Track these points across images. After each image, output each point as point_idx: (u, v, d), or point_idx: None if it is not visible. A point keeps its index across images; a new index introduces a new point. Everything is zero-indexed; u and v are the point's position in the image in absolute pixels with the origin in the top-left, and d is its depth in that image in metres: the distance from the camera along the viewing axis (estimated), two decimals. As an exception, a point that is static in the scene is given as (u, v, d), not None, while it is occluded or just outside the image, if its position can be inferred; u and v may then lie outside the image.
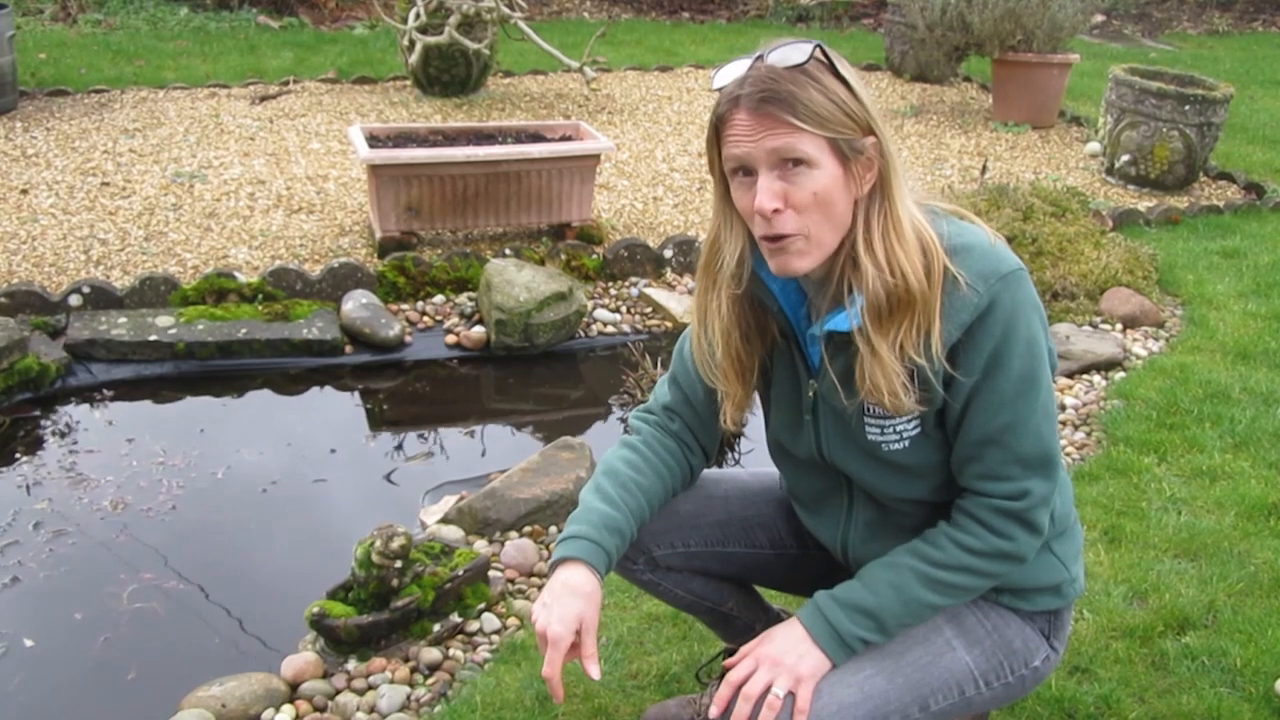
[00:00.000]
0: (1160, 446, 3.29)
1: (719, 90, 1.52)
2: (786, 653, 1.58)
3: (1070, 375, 3.84)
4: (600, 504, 1.72)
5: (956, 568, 1.60)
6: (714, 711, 1.59)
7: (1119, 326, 4.21)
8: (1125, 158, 5.87)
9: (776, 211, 1.47)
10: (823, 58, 1.47)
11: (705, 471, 1.93)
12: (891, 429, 1.60)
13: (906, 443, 1.61)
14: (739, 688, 1.58)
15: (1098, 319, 4.26)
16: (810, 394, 1.66)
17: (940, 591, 1.60)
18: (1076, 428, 3.49)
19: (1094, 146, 6.42)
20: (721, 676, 1.63)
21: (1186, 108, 5.63)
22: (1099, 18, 10.83)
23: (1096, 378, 3.83)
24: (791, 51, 1.47)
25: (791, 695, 1.55)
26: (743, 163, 1.49)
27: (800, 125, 1.44)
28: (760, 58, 1.49)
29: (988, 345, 1.51)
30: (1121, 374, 3.85)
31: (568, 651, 1.60)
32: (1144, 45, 10.44)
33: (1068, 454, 3.31)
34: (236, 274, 4.22)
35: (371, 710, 2.32)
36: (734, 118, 1.48)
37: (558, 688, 1.59)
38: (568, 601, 1.61)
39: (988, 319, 1.50)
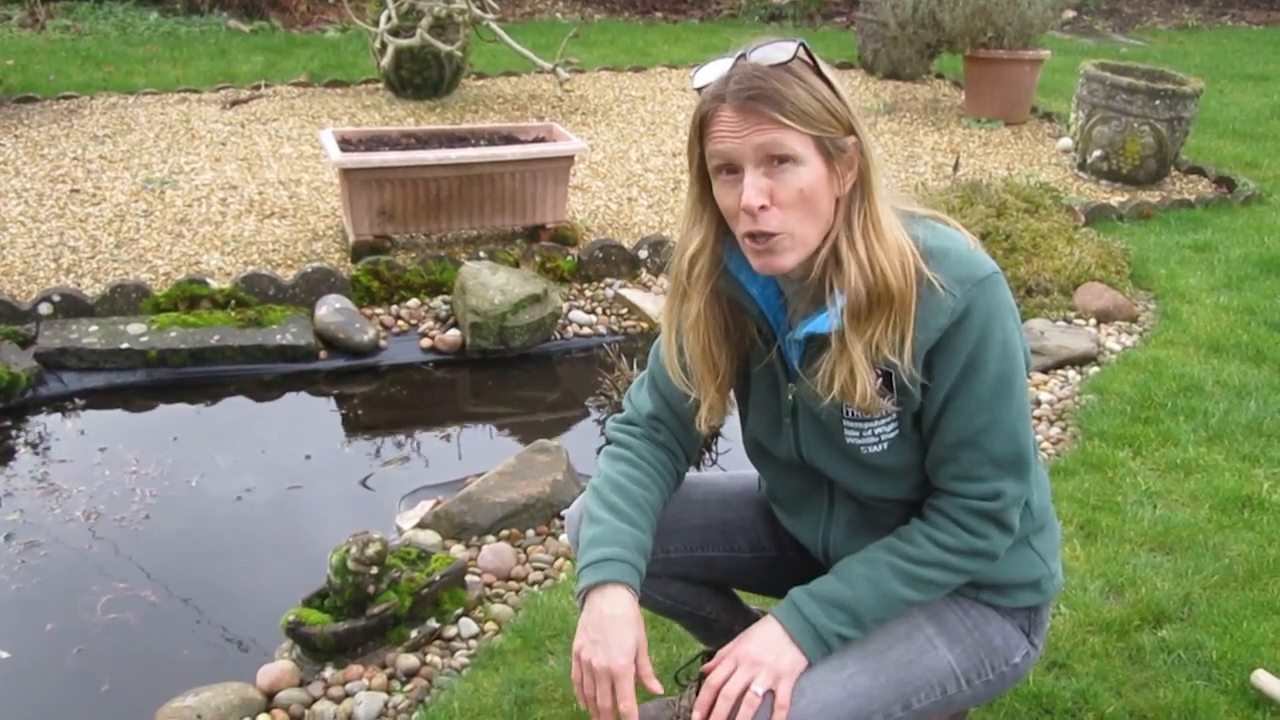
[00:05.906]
0: (1135, 441, 3.30)
1: (700, 90, 1.51)
2: (765, 651, 1.58)
3: (1045, 371, 3.86)
4: (623, 524, 1.69)
5: (932, 564, 1.60)
6: (697, 717, 1.57)
7: (1093, 321, 4.23)
8: (1097, 153, 5.90)
9: (763, 208, 1.46)
10: (806, 56, 1.47)
11: (684, 476, 1.93)
12: (870, 431, 1.60)
13: (885, 445, 1.61)
14: (719, 690, 1.57)
15: (1071, 314, 4.28)
16: (789, 397, 1.65)
17: (915, 587, 1.61)
18: (1052, 423, 3.51)
19: (1066, 142, 6.45)
20: (700, 679, 1.62)
21: (1157, 103, 5.66)
22: (1070, 14, 10.89)
23: (1071, 373, 3.85)
24: (775, 50, 1.47)
25: (771, 693, 1.54)
26: (728, 159, 1.48)
27: (787, 123, 1.44)
28: (743, 56, 1.48)
29: (964, 349, 1.51)
30: (1096, 369, 3.87)
31: None
32: (1114, 41, 10.51)
33: (1043, 449, 3.32)
34: (209, 280, 4.19)
35: (349, 718, 2.30)
36: (719, 115, 1.47)
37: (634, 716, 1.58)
38: (621, 631, 1.59)
39: (964, 323, 1.50)
